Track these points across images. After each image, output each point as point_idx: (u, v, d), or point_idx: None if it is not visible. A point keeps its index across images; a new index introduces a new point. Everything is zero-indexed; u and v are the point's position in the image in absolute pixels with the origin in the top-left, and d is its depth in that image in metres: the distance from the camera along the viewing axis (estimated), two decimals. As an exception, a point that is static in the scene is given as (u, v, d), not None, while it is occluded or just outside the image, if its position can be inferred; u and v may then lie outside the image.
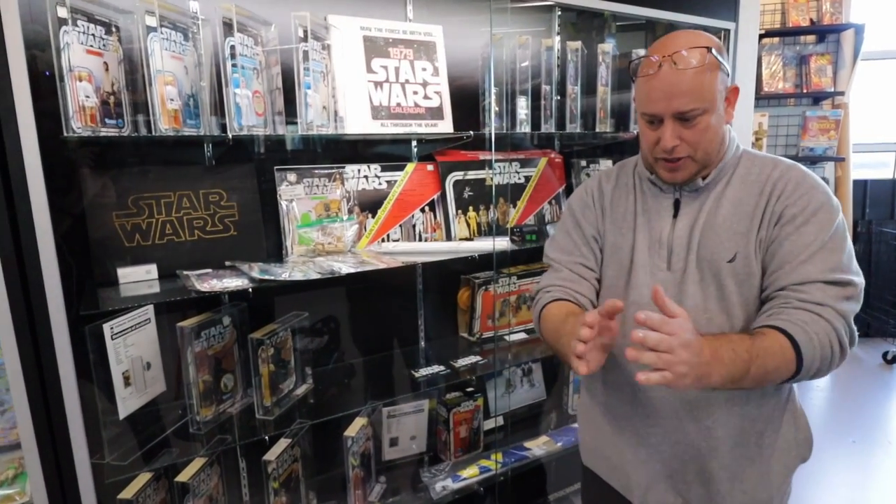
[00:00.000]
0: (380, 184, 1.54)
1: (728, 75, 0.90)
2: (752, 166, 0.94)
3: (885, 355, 3.64)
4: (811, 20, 3.60)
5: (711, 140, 0.89)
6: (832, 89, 3.64)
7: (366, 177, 1.52)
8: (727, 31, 1.79)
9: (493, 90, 1.55)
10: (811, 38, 3.73)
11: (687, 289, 0.92)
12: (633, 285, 0.96)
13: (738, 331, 0.89)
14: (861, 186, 3.93)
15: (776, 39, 3.70)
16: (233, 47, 1.17)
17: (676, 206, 0.96)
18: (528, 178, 1.80)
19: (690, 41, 0.86)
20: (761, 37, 3.63)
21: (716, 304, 0.91)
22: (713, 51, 0.85)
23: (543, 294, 1.04)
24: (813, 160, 3.69)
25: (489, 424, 1.79)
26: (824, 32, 3.65)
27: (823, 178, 3.73)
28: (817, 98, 3.73)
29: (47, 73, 1.03)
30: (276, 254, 1.40)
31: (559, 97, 1.70)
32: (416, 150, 1.63)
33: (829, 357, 0.81)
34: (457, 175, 1.65)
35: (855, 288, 0.85)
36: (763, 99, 3.70)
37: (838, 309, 0.82)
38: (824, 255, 0.85)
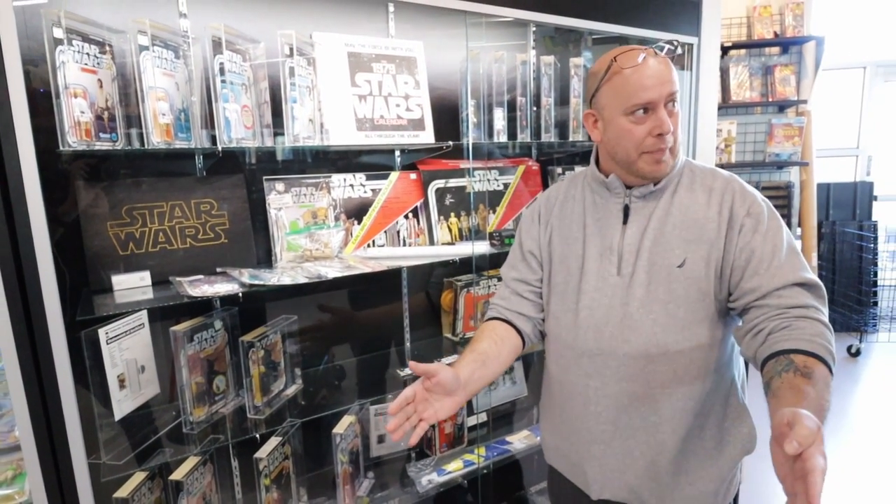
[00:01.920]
0: (365, 192, 1.60)
1: None
2: (695, 175, 0.99)
3: (849, 349, 3.82)
4: (775, 33, 3.77)
5: (680, 133, 0.95)
6: (796, 98, 3.81)
7: (351, 185, 1.58)
8: (690, 45, 1.91)
9: (471, 102, 1.64)
10: (775, 49, 3.90)
11: (634, 292, 0.96)
12: (584, 291, 1.01)
13: (681, 329, 0.93)
14: (824, 189, 4.12)
15: (743, 51, 3.87)
16: (222, 64, 1.23)
17: (626, 212, 1.00)
18: (506, 185, 1.88)
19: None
20: (729, 49, 3.80)
21: (661, 307, 0.95)
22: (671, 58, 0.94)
23: (488, 309, 1.16)
24: (779, 165, 3.86)
25: (472, 421, 1.86)
26: (787, 44, 3.83)
27: (789, 183, 3.93)
28: (782, 106, 3.90)
29: (43, 91, 1.07)
30: (266, 260, 1.46)
31: (535, 108, 1.79)
32: (399, 159, 1.70)
33: (834, 354, 0.84)
34: (438, 183, 1.73)
35: (824, 290, 0.91)
36: (731, 108, 3.87)
37: (820, 307, 0.87)
38: (792, 260, 0.90)
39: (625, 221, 1.00)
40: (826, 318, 0.87)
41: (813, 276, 0.90)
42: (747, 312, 0.92)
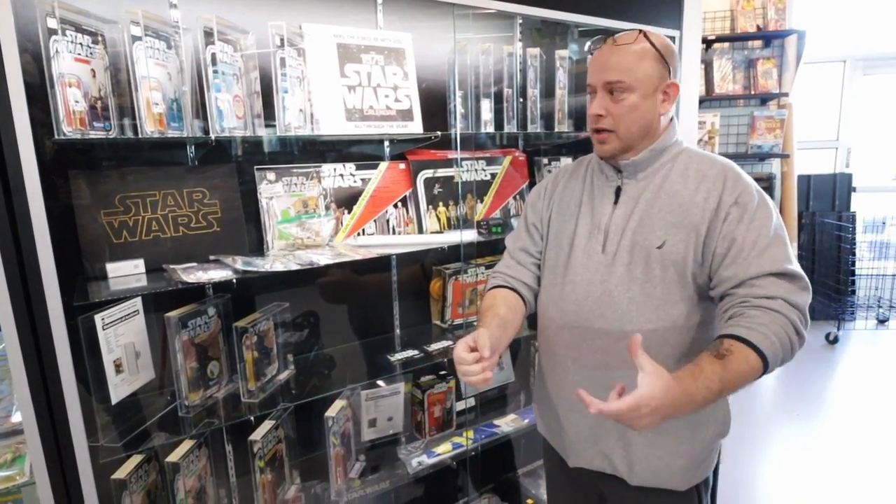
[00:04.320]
0: (355, 181, 1.64)
1: (669, 72, 0.99)
2: (691, 162, 1.02)
3: (827, 336, 3.93)
4: (758, 26, 3.84)
5: (635, 121, 0.98)
6: (777, 91, 3.89)
7: (341, 175, 1.61)
8: (672, 38, 1.95)
9: (459, 93, 1.67)
10: (758, 43, 3.98)
11: (615, 270, 1.01)
12: (571, 266, 1.07)
13: (655, 309, 0.98)
14: (805, 181, 4.22)
15: (726, 45, 3.94)
16: (213, 54, 1.25)
17: (618, 193, 1.05)
18: (493, 175, 1.92)
19: (637, 30, 0.99)
20: (712, 42, 3.87)
21: (639, 286, 0.99)
22: (652, 41, 0.97)
23: (491, 278, 1.22)
24: (761, 157, 3.95)
25: (461, 405, 1.91)
26: (770, 38, 3.90)
27: (771, 174, 4.01)
28: (764, 99, 3.98)
29: (38, 81, 1.09)
30: (258, 248, 1.49)
31: (521, 100, 1.83)
32: (388, 149, 1.74)
33: (789, 349, 0.87)
34: (427, 173, 1.76)
35: (806, 281, 0.92)
36: (714, 100, 3.94)
37: (791, 301, 0.88)
38: (773, 251, 0.92)
39: (616, 202, 1.05)
40: (796, 311, 0.89)
41: (794, 267, 0.91)
42: (722, 300, 0.96)
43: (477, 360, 0.92)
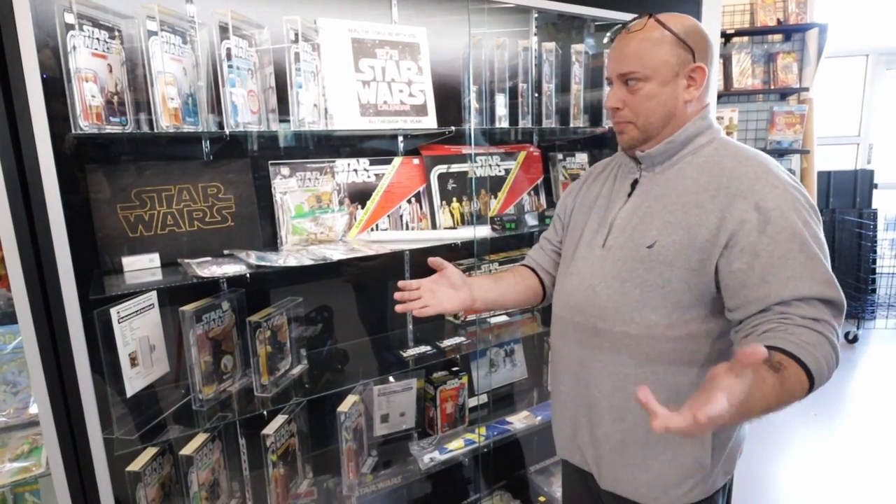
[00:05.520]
0: (368, 177, 1.63)
1: (694, 54, 0.90)
2: (716, 155, 0.92)
3: (846, 335, 3.85)
4: (778, 20, 3.76)
5: (655, 110, 0.92)
6: (798, 85, 3.81)
7: (355, 170, 1.61)
8: (691, 31, 1.91)
9: (473, 88, 1.65)
10: (778, 37, 3.89)
11: (605, 266, 0.98)
12: (575, 258, 1.06)
13: (630, 311, 0.92)
14: (825, 177, 4.13)
15: (745, 38, 3.86)
16: (228, 49, 1.25)
17: (633, 186, 1.00)
18: (508, 171, 1.90)
19: (646, 14, 0.93)
20: (731, 36, 3.79)
21: (619, 284, 0.95)
22: (668, 25, 0.89)
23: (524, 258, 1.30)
24: (780, 152, 3.87)
25: (473, 402, 1.90)
26: (790, 32, 3.82)
27: (790, 170, 3.93)
28: (784, 94, 3.90)
29: (56, 76, 1.10)
30: (272, 243, 1.49)
31: (536, 95, 1.81)
32: (402, 144, 1.73)
33: (825, 379, 0.78)
34: (441, 168, 1.75)
35: (844, 304, 0.82)
36: (733, 95, 3.87)
37: (833, 325, 0.80)
38: (811, 267, 0.80)
39: (630, 196, 1.01)
40: (835, 337, 0.79)
41: (833, 291, 0.80)
42: (749, 319, 0.84)
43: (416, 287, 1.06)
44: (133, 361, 1.23)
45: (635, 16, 0.96)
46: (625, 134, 0.99)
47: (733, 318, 0.88)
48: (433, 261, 1.11)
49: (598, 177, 1.14)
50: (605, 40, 1.04)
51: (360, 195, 1.61)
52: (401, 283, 1.08)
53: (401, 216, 1.68)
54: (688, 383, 0.92)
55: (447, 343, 1.69)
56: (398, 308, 1.07)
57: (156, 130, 1.20)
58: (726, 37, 3.80)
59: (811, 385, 0.76)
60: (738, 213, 0.84)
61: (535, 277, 1.22)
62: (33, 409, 1.24)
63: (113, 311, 1.16)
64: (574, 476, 1.16)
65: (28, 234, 1.01)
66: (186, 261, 1.32)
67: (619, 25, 0.99)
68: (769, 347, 0.74)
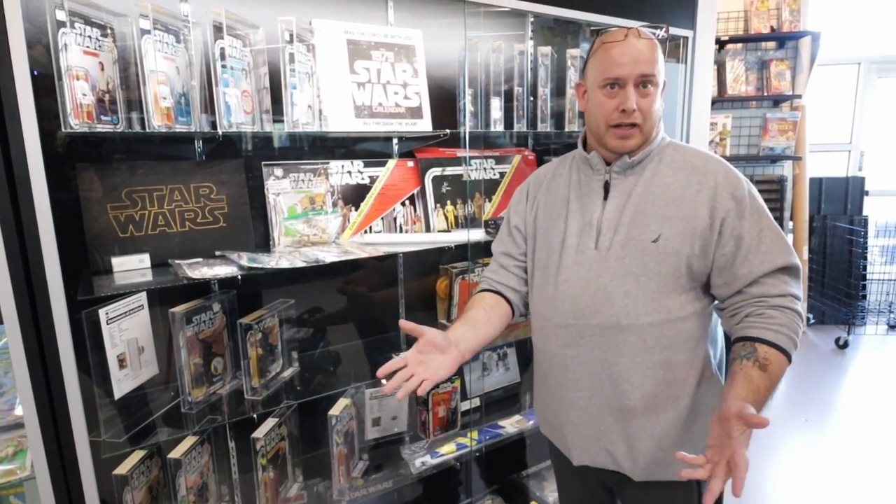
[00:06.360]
0: (362, 179, 1.62)
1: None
2: (678, 155, 1.03)
3: (837, 341, 3.88)
4: (771, 27, 3.79)
5: (655, 114, 0.99)
6: (791, 93, 3.84)
7: (349, 172, 1.60)
8: (686, 38, 1.92)
9: (469, 91, 1.65)
10: (771, 44, 3.93)
11: (609, 265, 1.00)
12: (564, 265, 1.05)
13: (651, 301, 0.98)
14: (817, 184, 4.16)
15: (739, 45, 3.89)
16: (222, 49, 1.25)
17: (606, 188, 1.04)
18: (502, 174, 1.90)
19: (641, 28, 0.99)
20: (725, 42, 3.82)
21: (634, 280, 0.99)
22: (658, 41, 0.98)
23: (480, 281, 1.24)
24: (773, 159, 3.90)
25: (466, 405, 1.89)
26: (783, 39, 3.85)
27: (782, 176, 3.97)
28: (777, 101, 3.93)
29: (46, 73, 1.08)
30: (264, 245, 1.48)
31: (531, 98, 1.81)
32: (396, 147, 1.72)
33: (797, 342, 0.94)
34: (435, 171, 1.75)
35: (800, 268, 0.97)
36: (727, 101, 3.90)
37: (796, 294, 0.95)
38: (777, 238, 0.96)
39: (605, 197, 1.04)
40: (799, 304, 0.95)
41: (794, 259, 0.96)
42: (731, 297, 0.98)
43: (404, 366, 0.94)
44: (121, 363, 1.21)
45: (644, 23, 1.02)
46: (631, 139, 0.99)
47: (719, 294, 1.01)
48: (404, 325, 0.96)
49: (551, 183, 1.14)
50: (592, 45, 1.03)
51: (353, 197, 1.60)
52: (383, 369, 0.94)
53: (394, 219, 1.67)
54: (685, 359, 1.03)
55: (440, 346, 1.68)
56: (398, 395, 0.94)
57: (147, 130, 1.19)
58: (721, 43, 3.83)
59: (789, 359, 0.92)
60: (722, 202, 0.96)
61: (502, 299, 1.17)
62: (18, 411, 1.21)
63: (101, 311, 1.14)
64: (587, 480, 1.17)
65: (15, 232, 0.99)
66: (177, 262, 1.31)
67: (615, 28, 0.99)
68: (754, 339, 0.92)
